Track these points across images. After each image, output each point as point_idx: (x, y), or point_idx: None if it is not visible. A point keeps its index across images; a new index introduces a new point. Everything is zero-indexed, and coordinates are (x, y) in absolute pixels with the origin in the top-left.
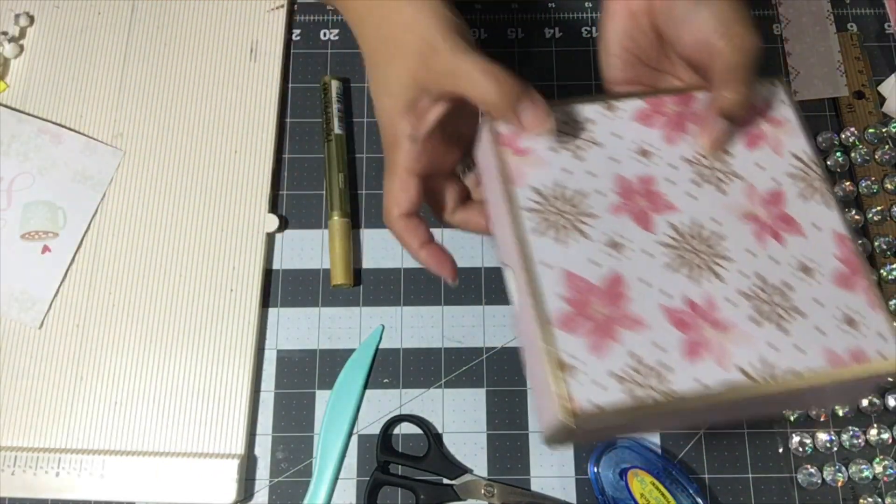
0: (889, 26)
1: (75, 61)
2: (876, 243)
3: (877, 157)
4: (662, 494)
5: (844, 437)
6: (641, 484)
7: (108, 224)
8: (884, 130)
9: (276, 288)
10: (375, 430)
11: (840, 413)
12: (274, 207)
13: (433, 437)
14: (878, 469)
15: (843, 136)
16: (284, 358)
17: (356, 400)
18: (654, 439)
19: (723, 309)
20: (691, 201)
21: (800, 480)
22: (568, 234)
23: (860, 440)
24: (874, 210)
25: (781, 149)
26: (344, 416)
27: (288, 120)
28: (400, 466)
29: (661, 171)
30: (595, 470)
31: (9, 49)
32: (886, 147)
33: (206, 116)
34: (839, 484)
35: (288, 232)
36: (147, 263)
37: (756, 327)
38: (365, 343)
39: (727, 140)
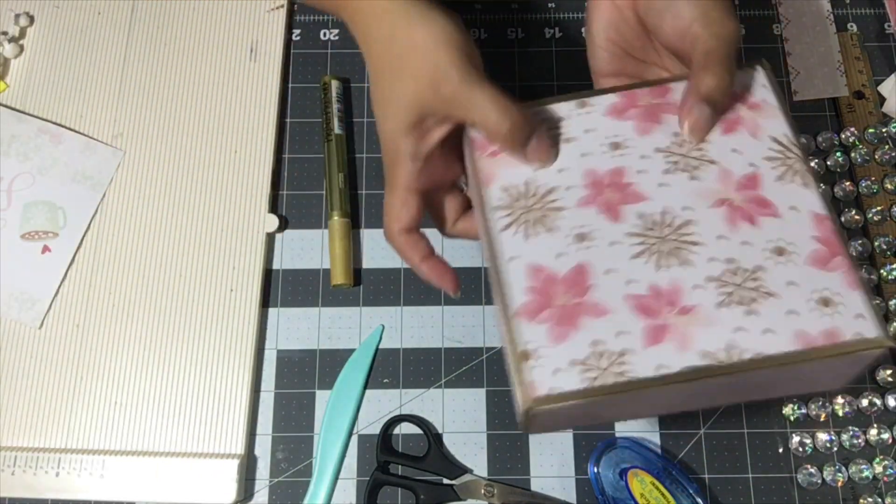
0: (889, 26)
1: (75, 61)
2: (876, 243)
3: (877, 157)
4: (662, 494)
5: (844, 437)
6: (641, 484)
7: (108, 224)
8: (884, 130)
9: (276, 288)
10: (375, 430)
11: (840, 413)
12: (274, 207)
13: (433, 437)
14: (878, 469)
15: (843, 136)
16: (284, 358)
17: (356, 400)
18: (654, 439)
19: (690, 295)
20: (662, 190)
21: (800, 480)
22: (535, 229)
23: (860, 440)
24: (874, 210)
25: (760, 132)
26: (344, 416)
27: (288, 120)
28: (400, 466)
29: (633, 163)
30: (595, 470)
31: (9, 49)
32: (886, 147)
33: (206, 116)
34: (839, 484)
35: (288, 232)
36: (147, 263)
37: (724, 311)
38: (365, 343)
39: (708, 125)
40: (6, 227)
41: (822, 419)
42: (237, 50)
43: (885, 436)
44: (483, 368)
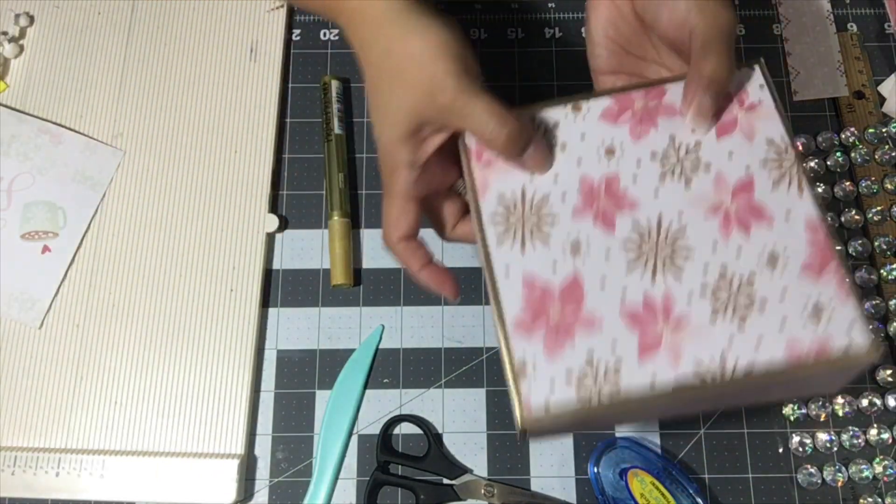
0: (889, 26)
1: (75, 61)
2: (876, 243)
3: (877, 157)
4: (662, 494)
5: (844, 437)
6: (641, 484)
7: (108, 224)
8: (884, 130)
9: (276, 288)
10: (375, 430)
11: (840, 413)
12: (274, 207)
13: (433, 437)
14: (878, 469)
15: (843, 136)
16: (284, 358)
17: (356, 400)
18: (655, 439)
19: (681, 306)
20: (655, 198)
21: (800, 480)
22: (529, 240)
23: (860, 440)
24: (874, 210)
25: (755, 134)
26: (344, 416)
27: (288, 120)
28: (400, 466)
29: (627, 169)
30: (595, 470)
31: (9, 49)
32: (886, 147)
33: (206, 116)
34: (839, 484)
35: (288, 232)
36: (147, 263)
37: (715, 323)
38: (365, 343)
39: (711, 112)
40: (6, 227)
41: (822, 419)
42: (237, 50)
43: (885, 436)
44: (483, 368)
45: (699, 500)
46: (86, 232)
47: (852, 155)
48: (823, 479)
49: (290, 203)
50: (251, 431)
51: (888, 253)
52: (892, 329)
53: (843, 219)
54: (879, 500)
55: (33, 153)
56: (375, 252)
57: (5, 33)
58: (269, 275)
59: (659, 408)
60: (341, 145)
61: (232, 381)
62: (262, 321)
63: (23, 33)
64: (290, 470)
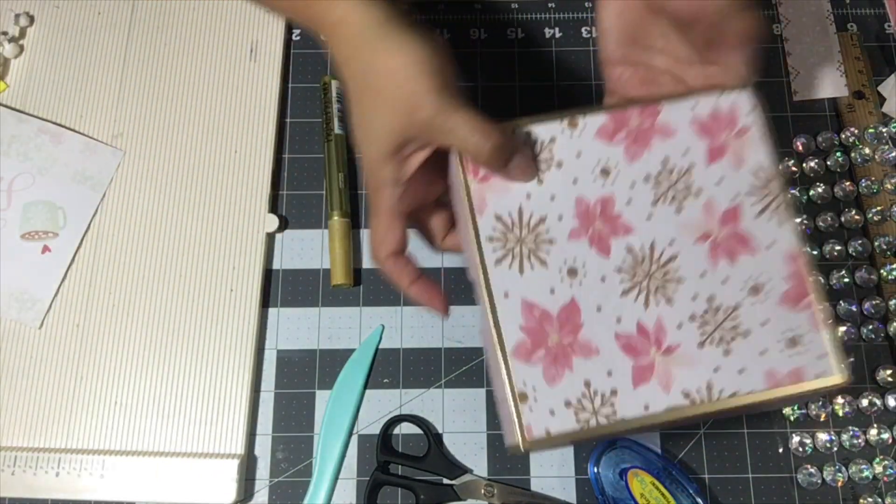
0: (889, 26)
1: (75, 61)
2: (876, 243)
3: (877, 157)
4: (662, 494)
5: (844, 437)
6: (641, 484)
7: (108, 224)
8: (884, 130)
9: (276, 288)
10: (375, 430)
11: (840, 413)
12: (274, 207)
13: (433, 437)
14: (878, 469)
15: (843, 136)
16: (284, 358)
17: (356, 400)
18: (654, 439)
19: (674, 334)
20: (648, 222)
21: (800, 480)
22: (527, 262)
23: (860, 440)
24: (874, 210)
25: (743, 162)
26: (344, 416)
27: (288, 120)
28: (400, 466)
29: (621, 191)
30: (595, 470)
31: (9, 49)
32: (886, 147)
33: (206, 116)
34: (839, 484)
35: (288, 232)
36: (147, 263)
37: (702, 351)
38: (365, 343)
39: (750, 69)
40: (6, 227)
41: (822, 419)
42: (237, 50)
43: (885, 436)
44: (483, 368)
45: (699, 500)
46: (86, 232)
47: (852, 155)
48: (823, 479)
49: (290, 203)
50: (251, 431)
51: (888, 253)
52: (892, 329)
53: (843, 219)
54: (879, 500)
55: (33, 153)
56: None
57: (5, 33)
58: (269, 275)
59: (653, 427)
60: (341, 145)
61: (232, 381)
62: (262, 321)
63: (23, 33)
64: (290, 470)
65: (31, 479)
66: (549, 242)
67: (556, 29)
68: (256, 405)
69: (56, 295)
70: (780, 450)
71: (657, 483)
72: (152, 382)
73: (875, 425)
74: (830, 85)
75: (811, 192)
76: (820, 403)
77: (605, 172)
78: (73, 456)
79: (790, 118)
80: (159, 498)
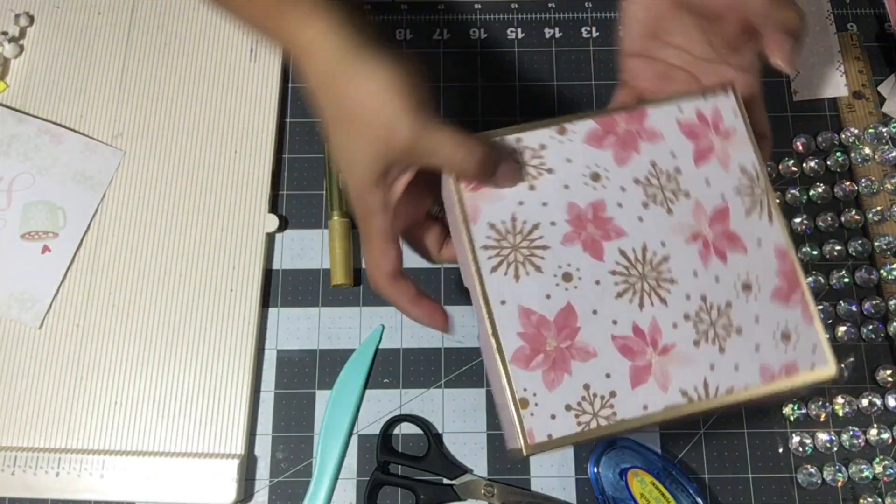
0: (889, 26)
1: (75, 61)
2: (876, 243)
3: (877, 157)
4: (662, 494)
5: (844, 437)
6: (641, 484)
7: (108, 224)
8: (884, 130)
9: (276, 288)
10: (375, 430)
11: (840, 413)
12: (274, 207)
13: (433, 437)
14: (878, 469)
15: (843, 136)
16: (284, 358)
17: (356, 400)
18: (654, 439)
19: (669, 333)
20: (640, 225)
21: (800, 480)
22: (522, 269)
23: (860, 440)
24: (874, 210)
25: (729, 162)
26: (344, 416)
27: (288, 120)
28: (400, 466)
29: (612, 195)
30: (595, 470)
31: (9, 49)
32: (886, 147)
33: (206, 116)
34: (839, 484)
35: (288, 232)
36: (147, 263)
37: (697, 349)
38: (365, 343)
39: (797, 57)
40: (6, 227)
41: (822, 419)
42: (237, 50)
43: (885, 436)
44: (483, 368)
45: (699, 500)
46: (86, 232)
47: (852, 155)
48: (823, 479)
49: (290, 203)
50: (251, 431)
51: (888, 253)
52: (892, 329)
53: (843, 219)
54: (879, 500)
55: (33, 153)
56: None
57: (5, 33)
58: (269, 275)
59: (652, 425)
60: None
61: (232, 381)
62: (262, 321)
63: (23, 33)
64: (290, 470)
65: (31, 479)
66: (543, 248)
67: (556, 29)
68: (256, 405)
69: (56, 295)
70: (780, 450)
71: (657, 483)
72: (152, 382)
73: (875, 425)
74: (830, 85)
75: (811, 192)
76: (820, 403)
77: (596, 177)
78: (73, 456)
79: (790, 118)
80: (159, 498)
